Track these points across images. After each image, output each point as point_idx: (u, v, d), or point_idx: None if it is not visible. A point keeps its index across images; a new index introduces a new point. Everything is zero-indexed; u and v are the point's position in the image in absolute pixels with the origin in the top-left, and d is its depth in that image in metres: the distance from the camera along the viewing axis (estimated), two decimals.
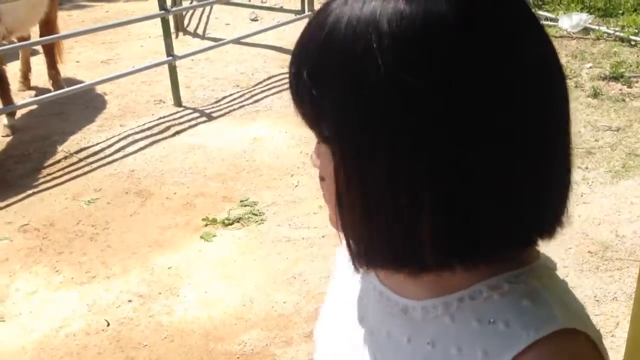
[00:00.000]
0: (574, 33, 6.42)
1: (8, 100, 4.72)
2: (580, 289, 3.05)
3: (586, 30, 6.47)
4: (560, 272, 2.51)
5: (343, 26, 0.59)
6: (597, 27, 6.48)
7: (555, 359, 0.60)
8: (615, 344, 2.74)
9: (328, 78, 0.60)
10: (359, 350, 0.77)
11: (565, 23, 6.47)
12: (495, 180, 0.59)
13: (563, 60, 5.70)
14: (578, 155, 4.29)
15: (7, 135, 4.76)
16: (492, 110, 0.58)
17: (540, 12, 6.83)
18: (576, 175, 4.00)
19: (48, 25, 5.29)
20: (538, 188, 0.62)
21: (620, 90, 5.24)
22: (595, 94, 5.12)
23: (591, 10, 6.94)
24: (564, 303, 0.64)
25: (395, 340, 0.71)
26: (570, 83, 5.37)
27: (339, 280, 0.85)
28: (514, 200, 0.61)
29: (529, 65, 0.60)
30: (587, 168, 4.12)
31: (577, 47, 6.14)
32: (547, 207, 0.64)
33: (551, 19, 6.65)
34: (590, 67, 5.67)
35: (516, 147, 0.59)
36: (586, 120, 4.75)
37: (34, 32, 5.44)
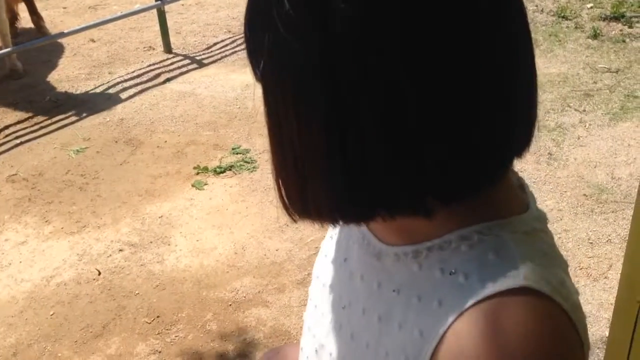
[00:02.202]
0: None
1: None
2: (574, 231, 3.02)
3: None
4: (555, 215, 2.48)
5: None
6: None
7: (504, 316, 0.55)
8: (607, 286, 2.73)
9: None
10: (337, 290, 0.76)
11: None
12: (451, 107, 0.55)
13: (563, 0, 5.57)
14: (576, 97, 4.22)
15: None
16: (448, 31, 0.54)
17: None
18: (573, 118, 3.97)
19: None
20: (502, 113, 0.58)
21: (621, 30, 5.12)
22: (595, 35, 5.00)
23: None
24: (533, 262, 0.58)
25: (367, 284, 0.70)
26: (570, 24, 5.24)
27: None
28: (473, 127, 0.56)
29: None
30: (584, 110, 4.05)
31: None
32: (514, 133, 0.60)
33: None
34: (591, 7, 5.53)
35: (476, 69, 0.55)
36: (585, 61, 4.64)
37: None
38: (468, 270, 0.59)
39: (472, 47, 0.54)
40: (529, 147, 0.62)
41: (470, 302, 0.57)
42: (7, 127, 4.20)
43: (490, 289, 0.56)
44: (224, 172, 3.68)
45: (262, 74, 0.59)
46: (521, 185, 0.68)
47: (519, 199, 0.66)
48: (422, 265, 0.63)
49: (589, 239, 2.99)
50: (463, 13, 0.54)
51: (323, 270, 0.81)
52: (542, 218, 0.65)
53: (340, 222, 0.62)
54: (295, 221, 0.64)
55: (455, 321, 0.57)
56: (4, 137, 4.10)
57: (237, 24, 5.65)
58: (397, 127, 0.55)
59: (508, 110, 0.58)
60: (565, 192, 3.31)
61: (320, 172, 0.58)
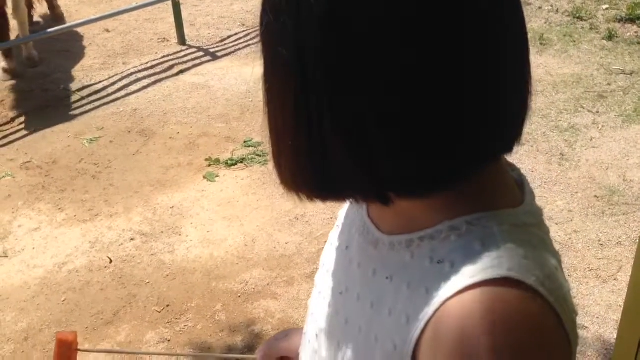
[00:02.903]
0: None
1: (5, 38, 4.59)
2: (584, 233, 3.02)
3: None
4: (565, 216, 2.49)
5: None
6: None
7: (484, 304, 0.56)
8: (617, 288, 2.73)
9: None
10: (337, 276, 0.79)
11: None
12: (442, 96, 0.57)
13: (578, 0, 5.54)
14: (589, 98, 4.20)
15: (8, 79, 4.62)
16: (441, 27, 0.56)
17: None
18: (586, 119, 3.96)
19: None
20: (488, 106, 0.59)
21: (636, 32, 5.09)
22: (610, 36, 4.97)
23: None
24: (518, 254, 0.59)
25: (364, 271, 0.72)
26: (585, 25, 5.22)
27: (345, 207, 0.86)
28: (460, 118, 0.58)
29: None
30: (597, 112, 4.03)
31: None
32: (499, 126, 0.61)
33: None
34: (607, 9, 5.50)
35: (464, 63, 0.57)
36: (599, 63, 4.63)
37: None
38: (454, 259, 0.61)
39: (444, 53, 0.56)
40: (513, 146, 0.64)
41: (454, 291, 0.58)
42: (21, 115, 4.24)
43: (474, 278, 0.57)
44: (235, 164, 3.70)
45: (261, 51, 0.63)
46: (521, 182, 0.70)
47: (514, 193, 0.67)
48: (414, 254, 0.65)
49: (599, 241, 2.99)
50: (442, 14, 0.55)
51: (328, 258, 0.83)
52: (536, 214, 0.66)
53: (316, 200, 0.66)
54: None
55: (440, 308, 0.58)
56: (18, 125, 4.14)
57: (251, 17, 5.66)
58: (357, 127, 0.58)
59: (488, 115, 0.60)
60: (577, 193, 3.31)
61: (290, 150, 0.62)
